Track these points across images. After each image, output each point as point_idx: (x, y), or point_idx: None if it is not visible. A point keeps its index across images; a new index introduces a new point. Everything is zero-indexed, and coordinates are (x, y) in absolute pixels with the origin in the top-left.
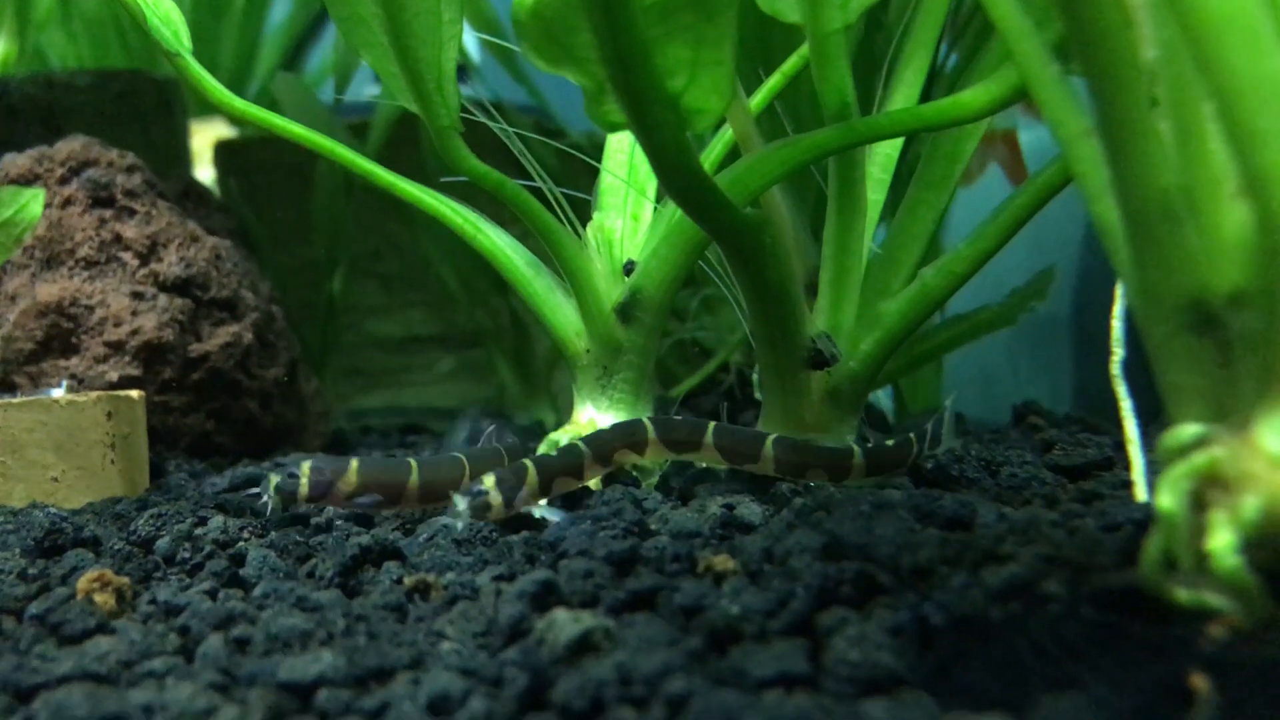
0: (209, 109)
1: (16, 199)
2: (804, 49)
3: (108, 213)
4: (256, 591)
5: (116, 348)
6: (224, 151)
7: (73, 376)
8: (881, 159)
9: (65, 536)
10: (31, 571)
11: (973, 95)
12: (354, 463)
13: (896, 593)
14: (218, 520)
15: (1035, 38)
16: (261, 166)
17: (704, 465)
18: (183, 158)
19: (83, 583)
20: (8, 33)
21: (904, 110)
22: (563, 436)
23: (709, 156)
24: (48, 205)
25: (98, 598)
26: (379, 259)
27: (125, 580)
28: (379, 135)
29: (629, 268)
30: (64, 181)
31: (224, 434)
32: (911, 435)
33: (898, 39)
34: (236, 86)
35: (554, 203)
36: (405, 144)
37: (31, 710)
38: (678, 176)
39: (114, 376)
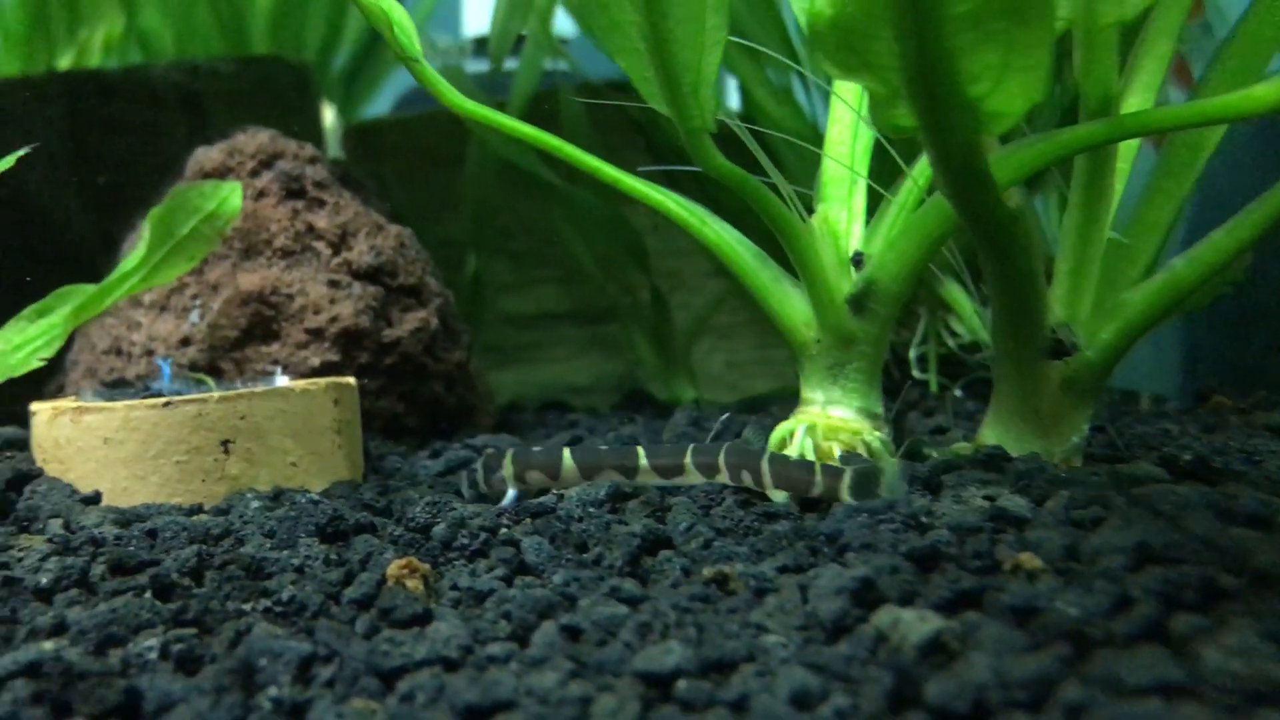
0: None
1: (218, 192)
2: None
3: (299, 204)
4: (555, 579)
5: (316, 334)
6: (355, 135)
7: (275, 362)
8: (1123, 149)
9: (345, 523)
10: (332, 557)
11: (1266, 90)
12: None
13: (1243, 598)
14: (472, 506)
15: None
16: (393, 149)
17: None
18: (319, 143)
19: (393, 569)
20: (111, 12)
21: (1185, 105)
22: (799, 426)
23: None
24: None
25: (409, 583)
26: (510, 237)
27: (427, 567)
28: (516, 113)
29: (857, 260)
30: (255, 174)
31: (412, 416)
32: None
33: (1143, 27)
34: (324, 60)
35: (785, 196)
36: (537, 120)
37: (404, 692)
38: (963, 178)
39: (315, 362)
